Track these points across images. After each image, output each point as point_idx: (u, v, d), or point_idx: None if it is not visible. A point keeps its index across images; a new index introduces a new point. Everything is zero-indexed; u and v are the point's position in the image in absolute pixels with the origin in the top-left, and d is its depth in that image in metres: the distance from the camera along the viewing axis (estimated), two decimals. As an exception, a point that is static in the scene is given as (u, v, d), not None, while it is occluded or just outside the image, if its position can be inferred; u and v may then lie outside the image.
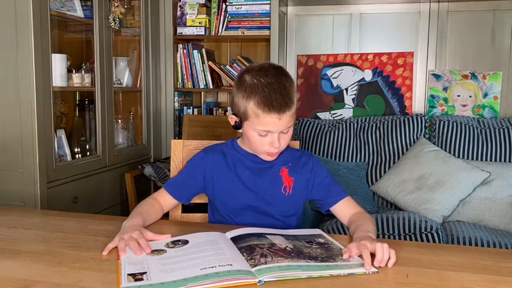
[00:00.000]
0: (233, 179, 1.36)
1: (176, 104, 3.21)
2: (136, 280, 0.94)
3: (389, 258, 1.04)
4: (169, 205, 1.42)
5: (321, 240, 1.17)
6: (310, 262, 1.02)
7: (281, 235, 1.18)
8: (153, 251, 1.09)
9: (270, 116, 1.23)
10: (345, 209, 1.37)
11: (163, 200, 1.40)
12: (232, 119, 1.33)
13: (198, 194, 1.44)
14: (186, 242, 1.14)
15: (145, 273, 0.97)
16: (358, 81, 3.17)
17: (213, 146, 1.44)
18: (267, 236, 1.16)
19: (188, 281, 0.92)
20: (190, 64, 3.15)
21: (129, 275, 0.96)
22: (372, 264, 1.02)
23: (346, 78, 3.19)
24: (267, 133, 1.26)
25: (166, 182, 1.43)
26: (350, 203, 1.38)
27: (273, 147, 1.27)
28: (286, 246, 1.10)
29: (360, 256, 1.06)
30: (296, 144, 1.57)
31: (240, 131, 1.35)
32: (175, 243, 1.14)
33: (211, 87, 3.15)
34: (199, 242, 1.13)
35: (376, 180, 2.78)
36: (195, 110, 3.28)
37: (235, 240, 1.13)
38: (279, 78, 1.26)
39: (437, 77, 3.08)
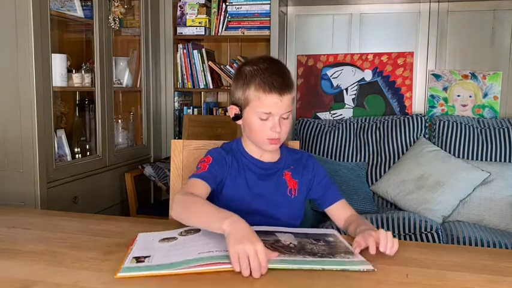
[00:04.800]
0: (242, 183, 1.35)
1: (176, 104, 3.21)
2: (138, 262, 0.98)
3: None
4: (206, 195, 1.28)
5: (330, 239, 1.17)
6: (308, 257, 1.02)
7: (291, 233, 1.18)
8: (164, 239, 1.11)
9: (271, 96, 1.25)
10: (340, 211, 1.38)
11: (200, 191, 1.25)
12: (232, 110, 1.34)
13: (221, 183, 1.35)
14: (198, 230, 1.15)
15: (148, 256, 1.01)
16: (358, 81, 3.17)
17: (226, 148, 1.39)
18: (275, 233, 1.16)
19: (183, 262, 0.95)
20: (190, 64, 3.15)
21: (133, 257, 1.01)
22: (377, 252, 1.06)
23: (346, 78, 3.19)
24: (268, 116, 1.27)
25: (194, 174, 1.30)
26: (345, 205, 1.39)
27: (275, 131, 1.28)
28: (290, 243, 1.10)
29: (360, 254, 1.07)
30: (296, 144, 1.57)
31: (240, 122, 1.35)
32: (188, 231, 1.15)
33: (211, 87, 3.15)
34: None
35: (376, 180, 2.78)
36: (195, 110, 3.28)
37: None
38: (277, 64, 1.32)
39: (437, 77, 3.08)
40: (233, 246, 0.96)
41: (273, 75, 1.26)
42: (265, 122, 1.28)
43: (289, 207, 1.38)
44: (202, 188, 1.26)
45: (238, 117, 1.34)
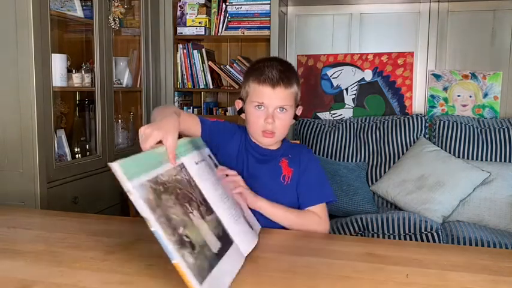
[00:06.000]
0: (242, 163, 1.42)
1: (176, 104, 3.20)
2: None
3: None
4: (191, 126, 1.35)
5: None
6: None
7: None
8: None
9: (264, 86, 1.33)
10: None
11: (188, 117, 1.34)
12: (237, 104, 1.44)
13: (215, 144, 1.39)
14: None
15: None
16: (358, 81, 3.17)
17: (241, 127, 1.49)
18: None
19: None
20: (190, 64, 3.15)
21: None
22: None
23: (346, 78, 3.19)
24: (262, 106, 1.34)
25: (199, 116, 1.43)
26: (318, 209, 1.39)
27: (267, 123, 1.33)
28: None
29: None
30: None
31: (243, 116, 1.42)
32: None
33: (211, 87, 3.15)
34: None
35: (376, 180, 2.78)
36: (195, 110, 3.28)
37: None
38: (279, 61, 1.40)
39: (437, 77, 3.08)
40: (151, 125, 1.04)
41: (271, 69, 1.34)
42: (260, 113, 1.34)
43: (281, 193, 1.40)
44: (194, 119, 1.36)
45: (241, 110, 1.43)
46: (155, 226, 0.86)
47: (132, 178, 0.87)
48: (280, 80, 1.33)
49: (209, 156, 1.26)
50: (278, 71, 1.34)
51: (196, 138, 1.26)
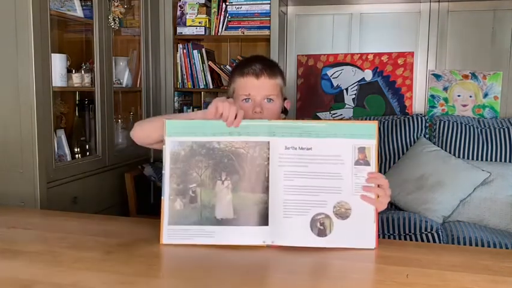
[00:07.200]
0: None
1: (176, 104, 3.20)
2: None
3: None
4: None
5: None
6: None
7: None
8: None
9: (248, 78, 1.37)
10: None
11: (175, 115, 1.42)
12: None
13: None
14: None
15: None
16: (358, 81, 3.17)
17: None
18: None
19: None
20: (190, 64, 3.15)
21: None
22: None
23: (346, 78, 3.19)
24: (249, 98, 1.37)
25: None
26: None
27: (256, 112, 1.35)
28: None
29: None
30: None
31: None
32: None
33: (211, 87, 3.15)
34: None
35: (376, 180, 2.78)
36: (195, 110, 3.27)
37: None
38: (260, 56, 1.45)
39: (437, 77, 3.08)
40: (216, 101, 1.15)
41: (254, 63, 1.39)
42: (248, 105, 1.37)
43: None
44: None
45: None
46: (166, 170, 1.10)
47: (173, 135, 1.11)
48: (264, 70, 1.37)
49: (359, 149, 1.13)
50: (261, 63, 1.38)
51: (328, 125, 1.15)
